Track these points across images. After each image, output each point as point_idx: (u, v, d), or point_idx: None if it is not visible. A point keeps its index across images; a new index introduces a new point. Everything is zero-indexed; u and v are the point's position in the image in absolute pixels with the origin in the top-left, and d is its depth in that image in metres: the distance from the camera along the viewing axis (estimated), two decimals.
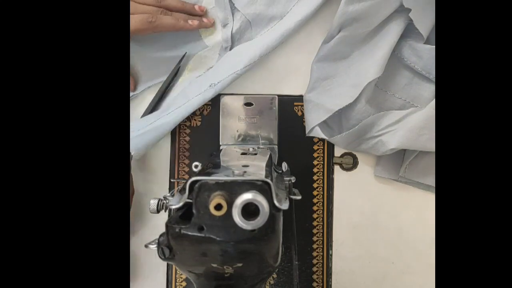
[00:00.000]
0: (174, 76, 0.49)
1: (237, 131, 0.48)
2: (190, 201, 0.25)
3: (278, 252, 0.26)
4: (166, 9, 0.46)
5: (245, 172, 0.26)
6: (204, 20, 0.48)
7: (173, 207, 0.26)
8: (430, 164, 0.45)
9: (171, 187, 0.49)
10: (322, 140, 0.47)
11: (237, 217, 0.22)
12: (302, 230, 0.47)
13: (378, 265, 0.48)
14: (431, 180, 0.46)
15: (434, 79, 0.43)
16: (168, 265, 0.48)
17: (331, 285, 0.48)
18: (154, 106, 0.48)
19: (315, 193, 0.48)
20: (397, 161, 0.46)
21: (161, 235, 0.27)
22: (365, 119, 0.43)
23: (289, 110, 0.48)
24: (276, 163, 0.46)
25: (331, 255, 0.48)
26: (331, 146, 0.48)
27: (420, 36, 0.42)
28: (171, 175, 0.49)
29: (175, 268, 0.48)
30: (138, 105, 0.49)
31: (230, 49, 0.48)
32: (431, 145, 0.41)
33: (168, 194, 0.34)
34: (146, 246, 0.27)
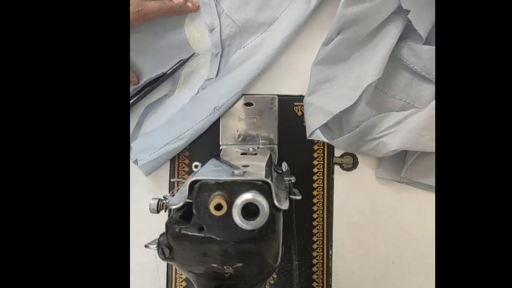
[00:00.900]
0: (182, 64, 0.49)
1: (237, 131, 0.48)
2: (190, 201, 0.25)
3: (278, 252, 0.26)
4: None
5: (245, 172, 0.26)
6: (189, 4, 0.48)
7: (173, 207, 0.26)
8: (431, 165, 0.45)
9: (171, 187, 0.49)
10: None
11: (237, 217, 0.22)
12: (302, 230, 0.47)
13: (378, 265, 0.48)
14: (433, 181, 0.46)
15: (434, 80, 0.43)
16: (168, 265, 0.48)
17: (331, 285, 0.48)
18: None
19: (315, 193, 0.48)
20: (399, 162, 0.46)
21: (161, 235, 0.27)
22: (366, 121, 0.43)
23: (289, 110, 0.48)
24: (276, 163, 0.46)
25: (331, 255, 0.48)
26: (331, 146, 0.48)
27: (419, 36, 0.42)
28: (171, 175, 0.49)
29: (175, 268, 0.48)
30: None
31: (221, 56, 0.48)
32: (432, 146, 0.41)
33: (168, 194, 0.34)
34: (146, 246, 0.27)
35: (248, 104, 0.48)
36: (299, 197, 0.33)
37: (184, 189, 0.26)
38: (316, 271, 0.48)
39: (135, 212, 0.46)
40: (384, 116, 0.44)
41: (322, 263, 0.48)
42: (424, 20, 0.41)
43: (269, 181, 0.25)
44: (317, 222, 0.48)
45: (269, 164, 0.36)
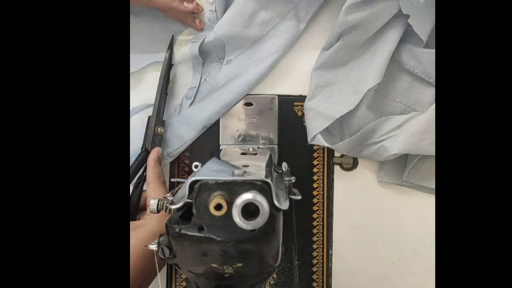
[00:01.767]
0: (169, 71, 0.49)
1: (237, 131, 0.48)
2: (190, 201, 0.25)
3: (278, 252, 0.26)
4: None
5: (245, 172, 0.26)
6: (197, 21, 0.48)
7: (173, 207, 0.26)
8: (433, 168, 0.45)
9: (171, 187, 0.49)
10: None
11: (237, 217, 0.22)
12: (302, 230, 0.47)
13: (378, 265, 0.48)
14: (434, 183, 0.46)
15: (434, 83, 0.43)
16: (168, 265, 0.48)
17: (331, 285, 0.48)
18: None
19: (315, 193, 0.48)
20: (400, 166, 0.46)
21: (161, 235, 0.27)
22: (367, 125, 0.43)
23: (289, 110, 0.48)
24: (276, 163, 0.46)
25: (331, 255, 0.48)
26: None
27: (419, 40, 0.41)
28: (171, 175, 0.49)
29: (175, 268, 0.48)
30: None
31: (203, 65, 0.48)
32: (433, 149, 0.41)
33: (168, 194, 0.34)
34: (146, 246, 0.27)
35: (248, 104, 0.48)
36: (299, 197, 0.33)
37: (184, 189, 0.26)
38: (316, 271, 0.48)
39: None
40: (384, 119, 0.44)
41: (322, 263, 0.48)
42: (424, 23, 0.41)
43: (269, 181, 0.25)
44: (317, 222, 0.48)
45: (269, 164, 0.36)
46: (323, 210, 0.48)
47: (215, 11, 0.47)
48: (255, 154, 0.41)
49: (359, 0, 0.39)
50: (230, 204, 0.23)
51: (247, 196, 0.22)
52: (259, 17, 0.46)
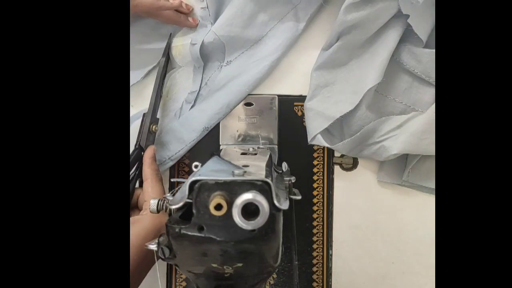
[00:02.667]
0: (166, 67, 0.49)
1: (237, 131, 0.48)
2: (190, 201, 0.25)
3: (278, 252, 0.26)
4: None
5: (245, 172, 0.26)
6: (190, 19, 0.48)
7: (173, 207, 0.26)
8: (433, 168, 0.45)
9: (171, 187, 0.49)
10: None
11: (237, 217, 0.22)
12: (302, 230, 0.47)
13: (378, 265, 0.48)
14: (434, 183, 0.46)
15: (434, 83, 0.43)
16: (168, 265, 0.48)
17: (331, 285, 0.48)
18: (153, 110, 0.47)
19: (315, 193, 0.48)
20: (400, 166, 0.46)
21: (161, 235, 0.27)
22: (367, 125, 0.43)
23: (289, 110, 0.48)
24: (276, 163, 0.46)
25: (331, 255, 0.48)
26: None
27: (419, 40, 0.42)
28: (171, 175, 0.49)
29: (175, 268, 0.48)
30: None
31: (204, 69, 0.48)
32: (433, 149, 0.41)
33: (168, 194, 0.34)
34: (146, 246, 0.27)
35: (248, 104, 0.48)
36: (299, 197, 0.33)
37: (184, 189, 0.26)
38: (316, 271, 0.48)
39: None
40: (384, 120, 0.44)
41: (322, 263, 0.48)
42: (424, 23, 0.41)
43: (269, 181, 0.25)
44: (317, 222, 0.48)
45: (269, 164, 0.36)
46: (323, 210, 0.48)
47: (207, 7, 0.47)
48: (255, 154, 0.41)
49: None
50: (230, 204, 0.23)
51: (247, 196, 0.22)
52: (259, 18, 0.46)
